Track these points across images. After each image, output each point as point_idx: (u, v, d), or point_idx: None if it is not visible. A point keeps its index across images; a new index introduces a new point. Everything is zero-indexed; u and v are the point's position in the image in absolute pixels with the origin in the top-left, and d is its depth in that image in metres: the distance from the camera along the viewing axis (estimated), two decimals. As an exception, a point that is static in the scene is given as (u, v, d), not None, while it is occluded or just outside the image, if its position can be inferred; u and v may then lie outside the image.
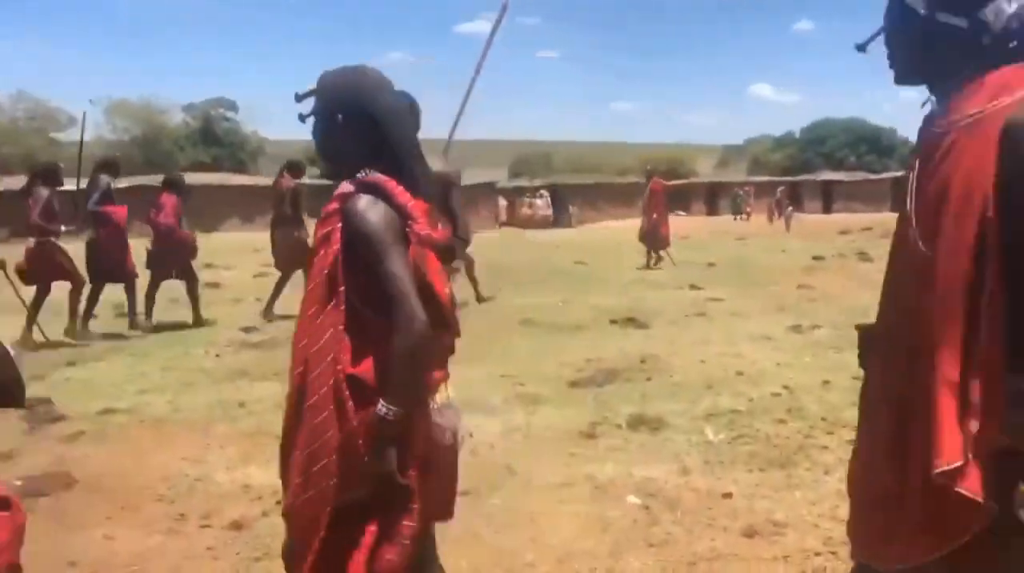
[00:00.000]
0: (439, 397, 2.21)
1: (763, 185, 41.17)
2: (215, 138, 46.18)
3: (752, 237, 24.58)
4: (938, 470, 1.45)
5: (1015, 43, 1.51)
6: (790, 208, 31.74)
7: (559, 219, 35.92)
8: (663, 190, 16.45)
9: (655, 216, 15.49)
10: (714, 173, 59.57)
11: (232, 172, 37.96)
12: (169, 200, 9.80)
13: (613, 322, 9.15)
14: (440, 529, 3.75)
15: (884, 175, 44.97)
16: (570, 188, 39.57)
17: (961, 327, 1.47)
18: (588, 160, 52.75)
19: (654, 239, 15.50)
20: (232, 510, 4.02)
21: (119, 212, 9.26)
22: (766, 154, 58.29)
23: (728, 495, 4.06)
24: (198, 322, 9.67)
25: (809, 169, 49.44)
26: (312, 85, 2.20)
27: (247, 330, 9.15)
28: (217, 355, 7.93)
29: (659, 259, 15.49)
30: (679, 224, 21.99)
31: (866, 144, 54.41)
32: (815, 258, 15.88)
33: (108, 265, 9.12)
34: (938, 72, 1.63)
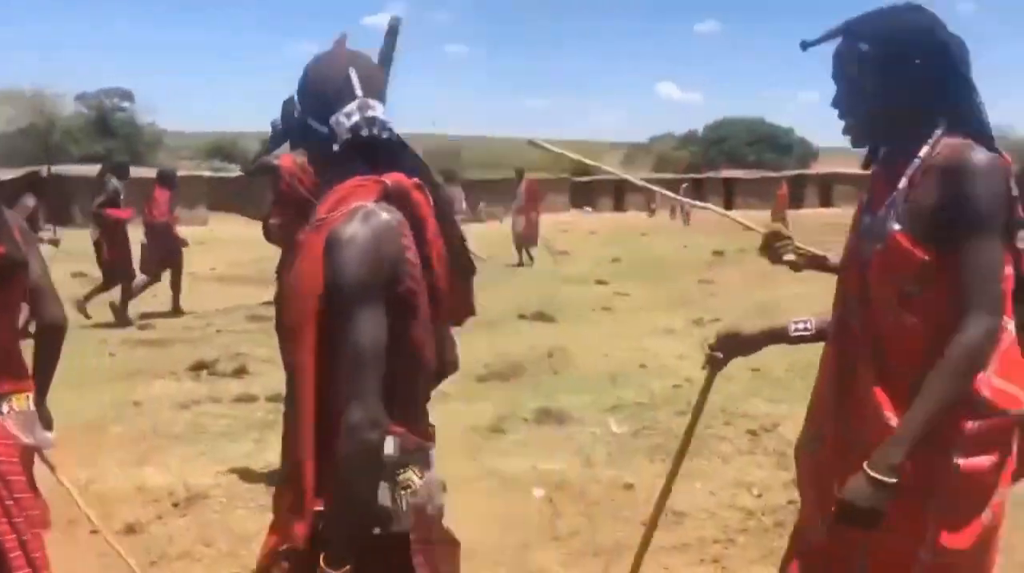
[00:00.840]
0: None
1: (668, 182, 42.00)
2: (110, 129, 44.38)
3: (655, 233, 25.08)
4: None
5: (359, 151, 1.62)
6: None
7: (468, 214, 35.85)
8: (536, 188, 16.56)
9: (533, 215, 15.64)
10: (621, 170, 60.41)
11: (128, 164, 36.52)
12: (163, 195, 9.85)
13: (521, 317, 9.20)
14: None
15: (782, 173, 46.44)
16: (479, 183, 39.57)
17: None
18: (497, 156, 52.80)
19: (528, 237, 15.60)
20: (126, 513, 3.88)
21: (122, 215, 9.38)
22: (670, 152, 59.49)
23: (630, 486, 4.13)
24: (177, 311, 9.87)
25: (712, 167, 50.71)
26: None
27: (142, 327, 8.85)
28: (111, 354, 7.64)
29: (531, 257, 15.55)
30: (587, 221, 22.25)
31: (765, 143, 56.13)
32: (715, 253, 16.30)
33: (111, 266, 9.28)
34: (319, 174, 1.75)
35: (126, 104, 46.87)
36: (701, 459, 4.50)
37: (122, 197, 9.33)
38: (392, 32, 2.58)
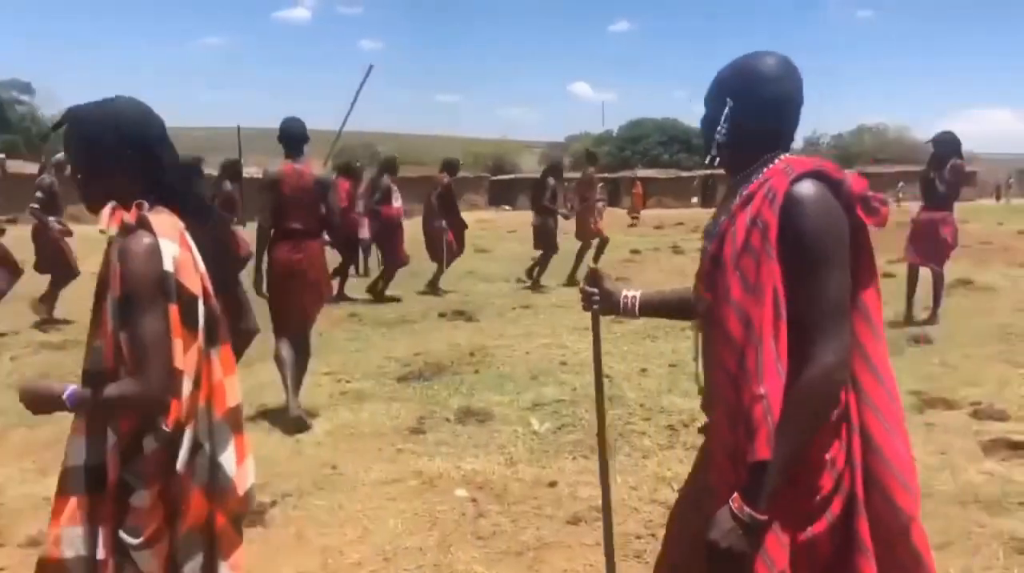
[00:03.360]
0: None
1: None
2: (7, 123, 42.46)
3: (574, 232, 25.25)
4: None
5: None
6: (600, 203, 32.88)
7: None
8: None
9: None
10: (537, 169, 60.84)
11: (27, 160, 35.02)
12: (344, 185, 10.34)
13: (441, 315, 9.16)
14: (264, 532, 3.62)
15: (694, 173, 47.46)
16: (395, 180, 39.25)
17: None
18: (412, 152, 52.43)
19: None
20: (30, 526, 3.70)
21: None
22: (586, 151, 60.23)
23: (553, 484, 4.14)
24: None
25: (626, 166, 51.48)
26: None
27: (45, 330, 8.50)
28: (12, 358, 7.30)
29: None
30: (506, 218, 22.22)
31: (678, 143, 57.27)
32: (632, 251, 16.56)
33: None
34: None
35: (25, 97, 44.95)
36: (622, 455, 4.56)
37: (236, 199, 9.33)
38: (366, 74, 2.86)
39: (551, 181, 11.92)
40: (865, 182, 1.80)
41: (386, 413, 5.39)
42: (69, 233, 9.35)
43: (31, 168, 10.00)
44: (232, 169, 9.73)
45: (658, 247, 17.87)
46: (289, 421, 5.10)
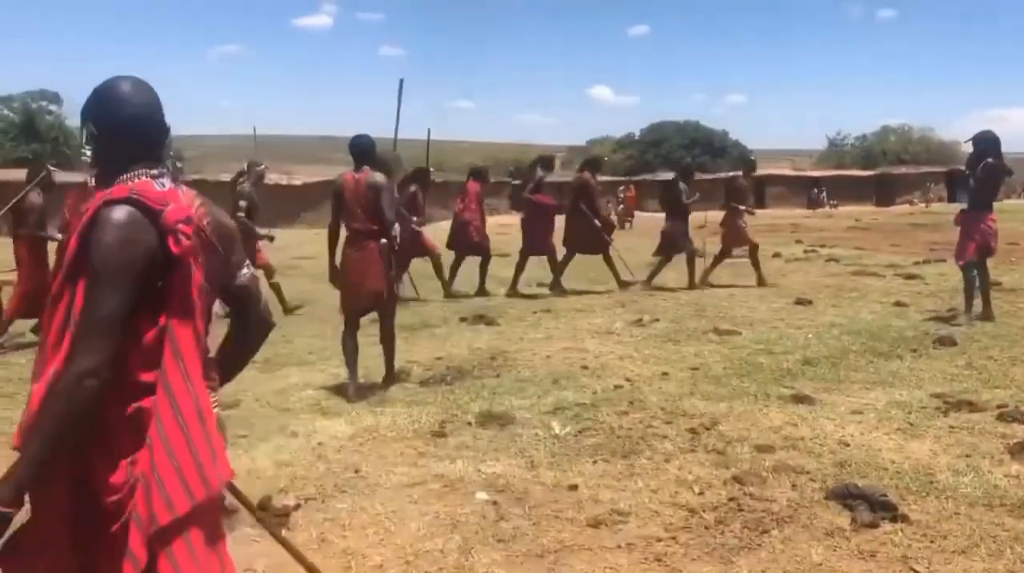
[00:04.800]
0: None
1: (606, 184, 42.35)
2: (37, 132, 43.06)
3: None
4: None
5: None
6: (622, 207, 32.92)
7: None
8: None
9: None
10: (560, 173, 60.85)
11: (55, 168, 35.48)
12: (474, 187, 11.04)
13: (463, 320, 9.18)
14: (287, 535, 3.65)
15: (717, 175, 47.25)
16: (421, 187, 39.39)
17: None
18: (431, 158, 52.56)
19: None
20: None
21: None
22: (608, 155, 60.13)
23: (574, 487, 4.15)
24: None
25: (649, 169, 51.34)
26: None
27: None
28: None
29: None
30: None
31: (700, 146, 57.06)
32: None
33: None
34: None
35: (53, 107, 45.59)
36: (643, 458, 4.55)
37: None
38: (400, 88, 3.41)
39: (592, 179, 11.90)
40: (185, 212, 1.92)
41: (408, 417, 5.42)
42: (271, 238, 10.10)
43: (60, 177, 10.05)
44: (420, 174, 11.14)
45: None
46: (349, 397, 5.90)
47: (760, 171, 45.40)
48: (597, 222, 11.46)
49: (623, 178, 45.66)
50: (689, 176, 12.86)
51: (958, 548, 3.43)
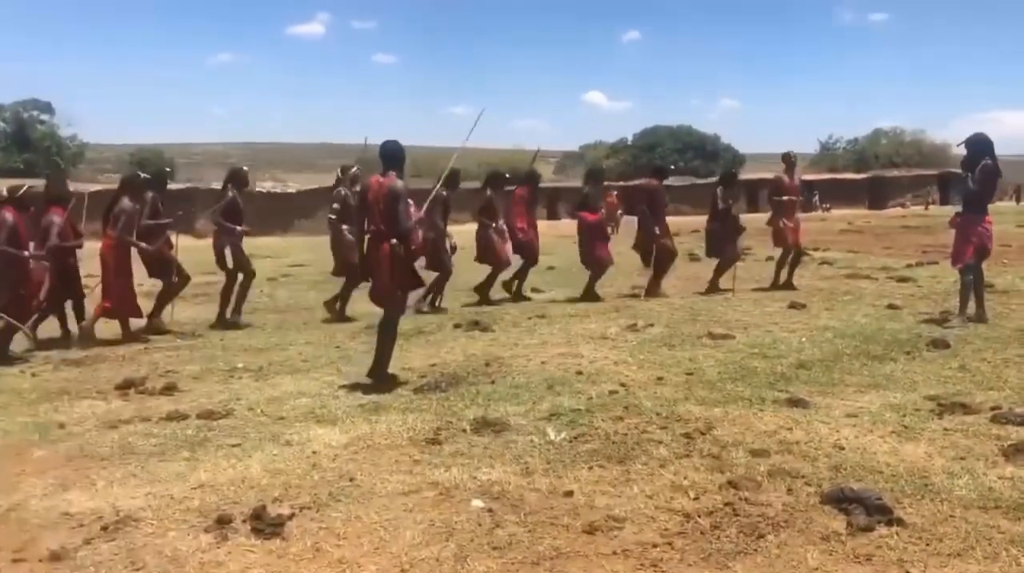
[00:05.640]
0: None
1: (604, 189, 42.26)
2: (29, 142, 43.00)
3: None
4: None
5: None
6: (619, 211, 32.90)
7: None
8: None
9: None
10: (553, 178, 60.92)
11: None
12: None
13: (457, 326, 9.17)
14: (282, 544, 3.64)
15: (710, 179, 47.32)
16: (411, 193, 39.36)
17: None
18: (427, 165, 52.56)
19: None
20: (50, 540, 3.74)
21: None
22: (602, 160, 60.19)
23: (569, 493, 4.14)
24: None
25: (642, 174, 51.44)
26: None
27: (67, 345, 8.59)
28: (33, 374, 7.38)
29: None
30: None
31: (693, 151, 57.20)
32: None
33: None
34: None
35: (45, 117, 45.53)
36: (639, 464, 4.55)
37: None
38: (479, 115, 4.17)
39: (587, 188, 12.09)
40: None
41: (403, 424, 5.41)
42: (244, 236, 9.98)
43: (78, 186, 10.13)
44: (496, 179, 11.77)
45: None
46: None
47: (754, 175, 45.54)
48: (657, 229, 11.61)
49: (615, 183, 45.65)
50: (730, 181, 12.61)
51: (954, 551, 3.43)
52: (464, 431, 5.23)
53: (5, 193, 8.30)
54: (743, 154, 60.25)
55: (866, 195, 47.72)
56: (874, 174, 51.41)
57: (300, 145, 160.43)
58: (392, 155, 6.45)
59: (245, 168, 10.40)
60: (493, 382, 6.52)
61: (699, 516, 3.83)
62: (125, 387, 6.64)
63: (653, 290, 11.56)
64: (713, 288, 11.85)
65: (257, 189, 31.88)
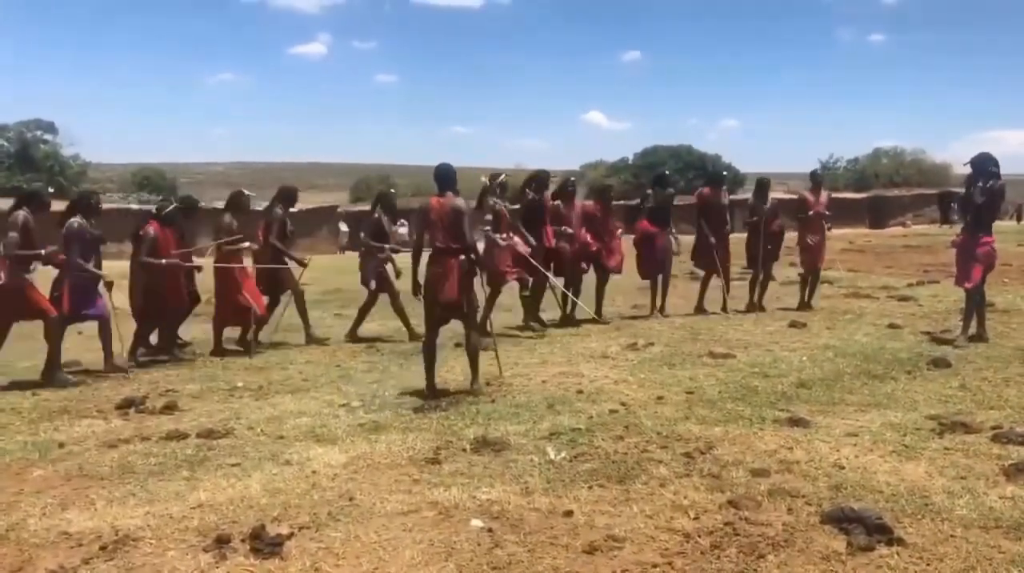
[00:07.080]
0: None
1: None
2: (32, 161, 43.21)
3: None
4: None
5: None
6: (619, 230, 32.98)
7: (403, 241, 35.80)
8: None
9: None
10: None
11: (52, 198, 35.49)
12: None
13: (457, 345, 9.15)
14: (281, 564, 3.63)
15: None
16: (412, 212, 39.51)
17: None
18: (428, 183, 52.81)
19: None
20: (48, 560, 3.73)
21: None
22: (602, 179, 60.46)
23: (569, 513, 4.13)
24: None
25: (643, 192, 51.65)
26: None
27: (66, 365, 8.59)
28: (34, 393, 7.38)
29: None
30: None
31: (693, 170, 57.40)
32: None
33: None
34: None
35: (48, 137, 45.80)
36: (639, 483, 4.54)
37: None
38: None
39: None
40: None
41: (402, 443, 5.40)
42: (390, 257, 10.29)
43: (56, 206, 10.08)
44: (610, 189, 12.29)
45: (674, 274, 17.80)
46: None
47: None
48: (712, 239, 11.69)
49: (616, 202, 45.74)
50: (762, 190, 12.31)
51: (954, 571, 3.42)
52: (464, 450, 5.22)
53: (154, 210, 9.26)
54: (743, 173, 60.42)
55: (867, 214, 47.79)
56: (875, 194, 51.55)
57: (300, 164, 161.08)
58: (447, 176, 6.83)
59: (294, 187, 10.79)
60: (493, 401, 6.51)
61: (699, 536, 3.82)
62: (125, 406, 6.65)
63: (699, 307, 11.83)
64: (753, 307, 11.85)
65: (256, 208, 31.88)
